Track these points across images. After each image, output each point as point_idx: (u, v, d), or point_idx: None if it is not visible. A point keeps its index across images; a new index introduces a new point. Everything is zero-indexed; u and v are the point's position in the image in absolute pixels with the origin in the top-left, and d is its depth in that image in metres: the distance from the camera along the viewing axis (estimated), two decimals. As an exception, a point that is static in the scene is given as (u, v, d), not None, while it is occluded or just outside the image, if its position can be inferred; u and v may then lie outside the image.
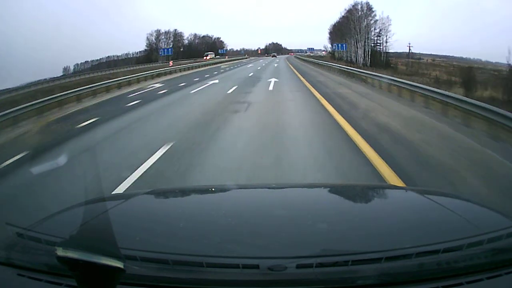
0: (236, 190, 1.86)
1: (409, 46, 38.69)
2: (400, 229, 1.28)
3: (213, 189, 2.05)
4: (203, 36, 64.26)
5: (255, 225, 1.29)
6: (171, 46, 55.76)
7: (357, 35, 41.22)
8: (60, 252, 0.79)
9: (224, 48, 66.83)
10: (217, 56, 57.32)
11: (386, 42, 39.70)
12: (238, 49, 70.13)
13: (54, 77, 33.90)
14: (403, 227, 1.31)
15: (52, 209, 1.51)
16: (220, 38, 66.42)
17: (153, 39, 55.58)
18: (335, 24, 48.28)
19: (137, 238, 1.15)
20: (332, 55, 49.79)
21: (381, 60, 38.27)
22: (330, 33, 50.92)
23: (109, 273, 0.82)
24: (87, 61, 46.43)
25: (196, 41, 62.44)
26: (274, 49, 75.27)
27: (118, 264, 0.81)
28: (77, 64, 44.40)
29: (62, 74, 39.09)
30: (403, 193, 1.83)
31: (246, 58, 63.71)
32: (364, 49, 40.91)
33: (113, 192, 3.76)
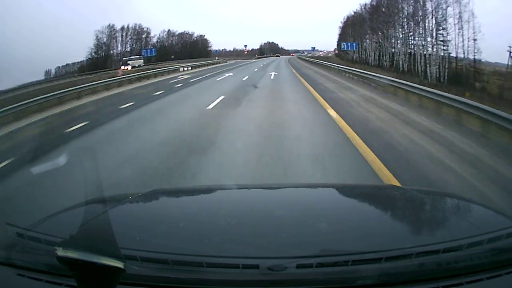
0: (236, 190, 1.86)
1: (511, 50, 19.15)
2: (400, 229, 1.28)
3: (213, 189, 2.05)
4: (180, 34, 49.36)
5: (255, 225, 1.29)
6: (129, 47, 41.58)
7: (420, 23, 23.52)
8: (60, 252, 0.80)
9: (210, 48, 52.97)
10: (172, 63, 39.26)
11: (474, 40, 20.34)
12: (231, 49, 58.36)
13: (39, 80, 30.20)
14: (403, 227, 1.32)
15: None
16: (204, 35, 52.15)
17: (104, 38, 41.41)
18: (348, 17, 36.73)
19: (137, 238, 1.15)
20: (339, 56, 40.16)
21: (457, 72, 21.22)
22: (343, 27, 39.10)
23: (109, 273, 0.82)
24: (68, 64, 38.69)
25: (170, 39, 48.27)
26: (270, 49, 65.48)
27: (118, 264, 0.81)
28: (59, 67, 37.57)
29: (44, 77, 34.01)
30: (403, 193, 1.83)
31: (218, 63, 43.16)
32: (432, 51, 22.92)
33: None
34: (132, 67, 35.48)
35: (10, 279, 1.05)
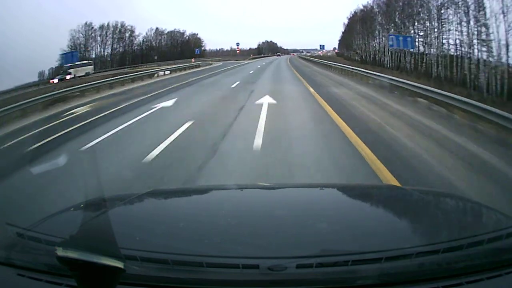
0: (236, 190, 1.86)
1: None
2: (400, 229, 1.28)
3: (213, 189, 2.05)
4: (170, 32, 45.36)
5: (255, 225, 1.29)
6: (109, 48, 36.58)
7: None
8: (60, 252, 0.79)
9: (203, 48, 48.13)
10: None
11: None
12: (228, 49, 54.79)
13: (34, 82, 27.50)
14: (403, 227, 1.32)
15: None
16: (197, 34, 49.10)
17: (82, 38, 36.73)
18: (356, 12, 32.12)
19: (137, 238, 1.15)
20: (341, 56, 36.43)
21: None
22: (349, 24, 34.92)
23: (109, 273, 0.82)
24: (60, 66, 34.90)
25: (158, 38, 44.18)
26: (268, 49, 62.24)
27: (118, 264, 0.81)
28: (52, 68, 34.36)
29: (38, 79, 31.23)
30: (403, 193, 1.83)
31: (197, 67, 31.55)
32: (471, 52, 17.43)
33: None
34: (60, 79, 26.00)
35: (10, 279, 1.05)
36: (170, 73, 26.28)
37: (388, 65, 24.32)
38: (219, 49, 54.80)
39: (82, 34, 36.98)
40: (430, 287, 0.95)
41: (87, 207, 1.37)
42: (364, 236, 1.17)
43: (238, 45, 54.22)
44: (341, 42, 41.20)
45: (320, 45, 48.22)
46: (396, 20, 24.61)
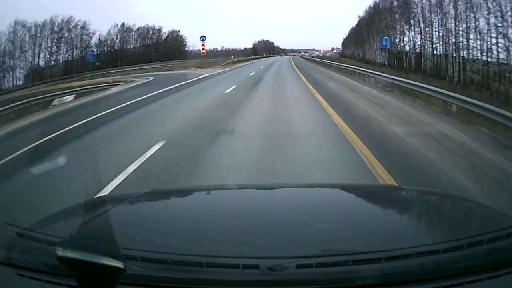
0: (236, 190, 1.86)
1: None
2: (400, 229, 1.28)
3: (213, 189, 2.05)
4: (141, 29, 34.85)
5: (255, 225, 1.29)
6: (45, 51, 26.85)
7: None
8: (60, 252, 0.79)
9: (186, 48, 37.50)
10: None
11: None
12: (219, 49, 47.21)
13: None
14: (403, 227, 1.32)
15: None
16: (178, 31, 38.24)
17: (16, 38, 27.36)
18: (376, 2, 26.98)
19: (137, 238, 1.15)
20: (351, 57, 31.31)
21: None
22: (368, 17, 28.96)
23: (109, 273, 0.82)
24: (54, 65, 30.43)
25: (124, 36, 33.73)
26: (264, 48, 57.96)
27: (118, 264, 0.81)
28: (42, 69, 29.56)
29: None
30: (403, 193, 1.83)
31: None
32: None
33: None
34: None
35: (10, 279, 1.05)
36: (75, 98, 15.52)
37: (453, 78, 16.19)
38: (213, 49, 46.74)
39: (11, 37, 27.52)
40: (430, 287, 0.95)
41: (87, 207, 1.37)
42: (364, 236, 1.17)
43: (203, 40, 31.65)
44: (347, 40, 34.84)
45: (334, 47, 42.69)
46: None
